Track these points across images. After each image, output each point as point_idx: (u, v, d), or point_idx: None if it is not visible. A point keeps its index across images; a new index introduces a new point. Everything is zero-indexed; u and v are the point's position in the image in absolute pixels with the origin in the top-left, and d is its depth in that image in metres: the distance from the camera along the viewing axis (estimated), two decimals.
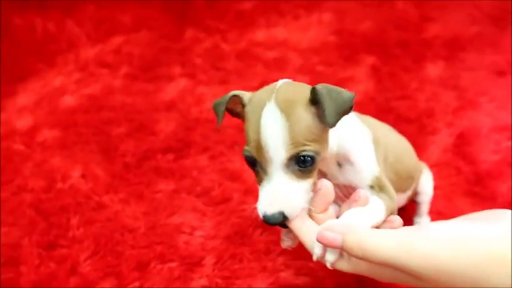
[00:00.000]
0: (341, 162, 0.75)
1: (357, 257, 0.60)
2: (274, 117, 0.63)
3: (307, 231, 0.67)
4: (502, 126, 1.32)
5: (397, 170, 0.84)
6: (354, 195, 0.70)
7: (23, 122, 1.40)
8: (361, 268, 0.64)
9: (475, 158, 1.24)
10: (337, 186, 0.76)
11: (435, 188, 1.17)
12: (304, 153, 0.63)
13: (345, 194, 0.79)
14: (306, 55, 1.60)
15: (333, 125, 0.63)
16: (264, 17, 1.77)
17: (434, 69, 1.53)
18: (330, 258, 0.65)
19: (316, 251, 0.66)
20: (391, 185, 0.77)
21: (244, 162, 1.25)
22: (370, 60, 1.56)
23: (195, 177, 1.23)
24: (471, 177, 1.20)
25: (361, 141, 0.76)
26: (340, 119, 0.63)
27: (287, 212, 0.65)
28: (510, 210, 0.61)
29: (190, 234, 1.11)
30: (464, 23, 1.70)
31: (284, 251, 1.06)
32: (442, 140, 1.30)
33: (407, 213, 1.09)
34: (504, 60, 1.54)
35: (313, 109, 0.64)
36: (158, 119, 1.39)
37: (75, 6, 1.82)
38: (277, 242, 1.08)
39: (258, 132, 0.64)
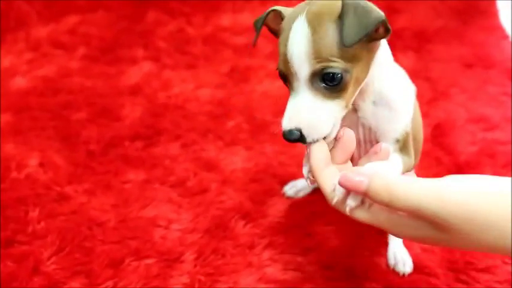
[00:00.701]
0: (378, 102, 0.69)
1: (381, 202, 0.54)
2: (301, 31, 0.59)
3: (328, 174, 0.60)
4: (475, 117, 1.31)
5: (416, 138, 0.79)
6: (375, 148, 0.64)
7: None
8: (381, 218, 0.57)
9: (453, 149, 1.23)
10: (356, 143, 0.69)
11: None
12: (329, 69, 0.59)
13: (360, 155, 0.73)
14: (275, 41, 1.53)
15: (350, 43, 0.57)
16: (230, 2, 1.69)
17: (405, 60, 1.51)
18: (352, 203, 0.57)
19: (338, 192, 0.58)
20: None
21: (220, 151, 1.18)
22: None
23: (168, 166, 1.14)
24: (451, 167, 1.18)
25: (406, 91, 0.72)
26: (359, 39, 0.57)
27: (304, 130, 0.60)
28: None
29: (167, 227, 1.02)
30: (429, 15, 1.70)
31: (269, 245, 0.99)
32: None
33: None
34: (470, 53, 1.55)
35: (340, 25, 0.59)
36: (122, 104, 1.29)
37: None
38: (262, 235, 1.02)
39: (285, 45, 0.60)
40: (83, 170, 1.12)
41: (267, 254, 0.98)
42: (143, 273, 0.93)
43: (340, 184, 0.55)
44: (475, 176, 0.56)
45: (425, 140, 1.24)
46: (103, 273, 0.93)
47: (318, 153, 0.61)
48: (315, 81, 0.60)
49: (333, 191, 0.58)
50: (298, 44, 0.59)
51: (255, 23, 0.70)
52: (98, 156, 1.15)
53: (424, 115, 1.29)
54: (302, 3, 0.63)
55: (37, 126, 1.21)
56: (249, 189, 1.10)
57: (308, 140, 0.60)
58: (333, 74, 0.59)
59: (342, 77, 0.59)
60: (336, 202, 0.58)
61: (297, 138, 0.60)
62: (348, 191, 0.57)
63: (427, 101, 1.36)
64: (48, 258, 0.95)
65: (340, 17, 0.58)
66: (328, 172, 0.60)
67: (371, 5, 0.59)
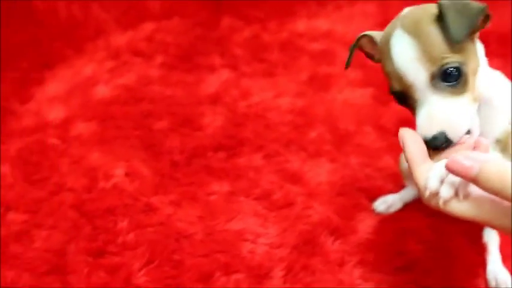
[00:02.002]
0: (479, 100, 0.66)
1: (491, 189, 0.50)
2: (402, 41, 0.60)
3: (425, 168, 0.58)
4: None
5: None
6: (475, 142, 0.60)
7: (55, 113, 1.28)
8: (482, 209, 0.53)
9: None
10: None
11: None
12: (446, 66, 0.59)
13: None
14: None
15: (459, 38, 0.58)
16: (304, 7, 1.66)
17: (491, 65, 1.44)
18: (446, 193, 0.54)
19: (432, 183, 0.55)
20: None
21: (303, 163, 1.16)
22: None
23: (252, 178, 1.12)
24: None
25: (505, 88, 0.70)
26: (467, 32, 0.58)
27: (448, 130, 0.59)
28: None
29: (254, 242, 1.00)
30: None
31: (359, 263, 0.96)
32: None
33: None
34: None
35: (442, 25, 0.59)
36: (203, 113, 1.28)
37: None
38: (352, 252, 0.98)
39: (392, 63, 0.61)
40: (168, 180, 1.12)
41: (357, 272, 0.95)
42: None
43: (448, 167, 0.52)
44: None
45: None
46: (194, 287, 0.92)
47: (413, 145, 0.59)
48: (436, 83, 0.60)
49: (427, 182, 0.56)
50: (406, 55, 0.60)
51: (350, 49, 0.74)
52: (182, 167, 1.15)
53: None
54: (392, 22, 0.66)
55: (121, 135, 1.22)
56: (335, 203, 1.07)
57: (455, 139, 0.60)
58: (451, 70, 0.59)
59: (460, 71, 0.59)
60: (429, 194, 0.55)
61: (444, 141, 0.59)
62: (441, 183, 0.55)
63: None
64: (139, 270, 0.95)
65: (439, 18, 0.59)
66: (425, 166, 0.58)
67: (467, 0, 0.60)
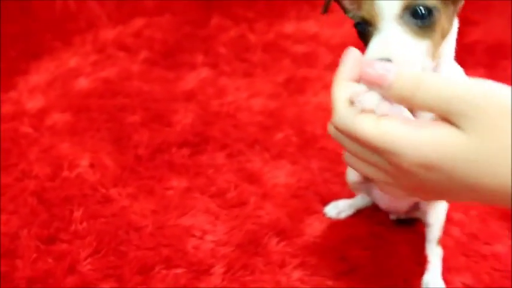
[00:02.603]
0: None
1: (405, 96, 0.44)
2: None
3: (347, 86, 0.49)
4: None
5: None
6: None
7: (34, 103, 1.32)
8: (390, 131, 0.44)
9: None
10: None
11: (470, 208, 1.08)
12: (421, 3, 0.56)
13: None
14: (337, 51, 1.49)
15: None
16: (295, 8, 1.67)
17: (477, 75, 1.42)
18: (369, 102, 0.46)
19: (352, 93, 0.47)
20: None
21: (265, 164, 1.17)
22: None
23: (211, 176, 1.15)
24: None
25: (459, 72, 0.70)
26: None
27: (395, 62, 0.53)
28: None
29: (201, 238, 1.03)
30: (509, 27, 1.59)
31: (300, 265, 0.97)
32: None
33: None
34: None
35: None
36: (176, 110, 1.31)
37: None
38: (295, 255, 0.99)
39: None
40: (129, 173, 1.15)
41: (297, 274, 0.96)
42: (171, 282, 0.94)
43: (363, 73, 0.46)
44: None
45: None
46: (133, 278, 0.95)
47: (349, 64, 0.50)
48: (404, 16, 0.56)
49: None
50: None
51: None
52: (145, 161, 1.18)
53: None
54: None
55: (93, 127, 1.25)
56: (288, 205, 1.09)
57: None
58: (424, 9, 0.56)
59: (431, 14, 0.56)
60: (343, 111, 0.47)
61: None
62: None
63: None
64: (85, 259, 0.98)
65: None
66: (348, 84, 0.49)
67: None
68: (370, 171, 0.49)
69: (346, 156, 0.51)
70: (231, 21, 1.62)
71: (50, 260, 0.98)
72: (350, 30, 1.60)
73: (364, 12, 0.58)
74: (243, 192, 1.11)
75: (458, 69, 0.72)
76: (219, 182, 1.13)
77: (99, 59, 1.47)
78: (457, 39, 1.53)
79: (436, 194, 0.47)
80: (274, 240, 1.02)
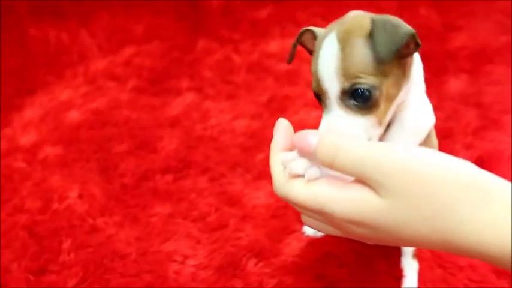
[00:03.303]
0: (393, 119, 0.69)
1: (328, 162, 0.48)
2: (331, 49, 0.62)
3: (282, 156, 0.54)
4: None
5: None
6: None
7: (27, 138, 1.38)
8: (318, 191, 0.49)
9: None
10: None
11: None
12: (357, 86, 0.60)
13: None
14: None
15: (383, 56, 0.59)
16: (279, 26, 1.70)
17: (456, 84, 1.43)
18: (297, 167, 0.51)
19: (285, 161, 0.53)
20: None
21: (246, 186, 1.20)
22: None
23: (193, 200, 1.18)
24: None
25: (424, 119, 0.73)
26: (392, 51, 0.59)
27: None
28: None
29: (182, 263, 1.06)
30: (493, 32, 1.59)
31: (277, 285, 1.00)
32: None
33: None
34: None
35: (371, 42, 0.61)
36: (161, 136, 1.35)
37: (90, 15, 1.80)
38: (273, 275, 1.02)
39: (316, 63, 0.63)
40: (115, 202, 1.20)
41: None
42: None
43: (294, 143, 0.51)
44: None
45: None
46: None
47: (281, 135, 0.55)
48: (345, 98, 0.61)
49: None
50: (328, 62, 0.61)
51: (293, 44, 0.74)
52: (130, 189, 1.22)
53: (467, 146, 1.24)
54: (334, 23, 0.66)
55: (82, 158, 1.31)
56: (268, 225, 1.12)
57: None
58: (362, 90, 0.60)
59: (370, 94, 0.61)
60: (280, 180, 0.52)
61: None
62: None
63: (474, 130, 1.29)
64: None
65: (370, 34, 0.61)
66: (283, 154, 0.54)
67: (400, 20, 0.61)
68: (319, 226, 0.55)
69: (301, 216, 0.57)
70: (216, 43, 1.66)
71: None
72: None
73: (314, 86, 0.64)
74: (223, 215, 1.14)
75: (426, 109, 0.74)
76: (201, 206, 1.17)
77: (89, 90, 1.52)
78: (438, 45, 1.53)
79: (380, 241, 0.51)
80: (253, 261, 1.05)
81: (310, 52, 0.71)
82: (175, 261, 1.07)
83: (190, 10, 1.79)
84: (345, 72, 0.60)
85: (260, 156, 1.27)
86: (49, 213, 1.19)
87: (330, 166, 0.49)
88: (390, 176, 0.45)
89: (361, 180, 0.47)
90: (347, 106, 0.61)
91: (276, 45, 1.64)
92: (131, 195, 1.21)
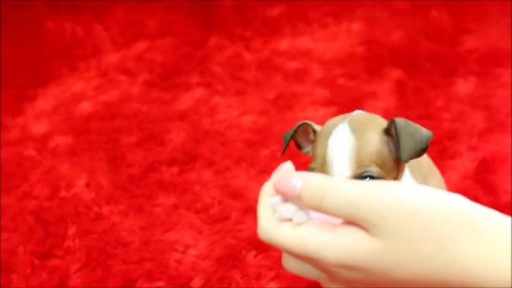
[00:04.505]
0: None
1: (314, 205, 0.47)
2: (345, 136, 0.63)
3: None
4: None
5: None
6: None
7: (39, 128, 1.42)
8: (308, 239, 0.47)
9: (497, 188, 1.15)
10: None
11: None
12: (367, 173, 0.62)
13: None
14: (328, 66, 1.54)
15: (406, 160, 0.62)
16: (291, 25, 1.72)
17: (464, 86, 1.43)
18: (285, 212, 0.49)
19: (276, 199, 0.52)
20: None
21: (250, 180, 1.22)
22: (396, 74, 1.48)
23: (197, 192, 1.20)
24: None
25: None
26: (413, 156, 0.62)
27: None
28: None
29: (183, 252, 1.08)
30: (504, 36, 1.59)
31: (275, 278, 1.01)
32: (463, 166, 1.20)
33: None
34: None
35: (385, 138, 0.64)
36: (169, 129, 1.37)
37: (105, 9, 1.83)
38: (270, 267, 1.04)
39: (325, 149, 0.64)
40: (122, 192, 1.22)
41: (272, 286, 1.00)
42: None
43: (275, 187, 0.50)
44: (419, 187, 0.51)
45: (466, 177, 1.18)
46: None
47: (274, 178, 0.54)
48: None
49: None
50: (342, 149, 0.62)
51: (284, 136, 0.74)
52: (136, 180, 1.24)
53: (472, 148, 1.24)
54: (339, 117, 0.68)
55: (91, 149, 1.33)
56: None
57: None
58: (370, 177, 0.62)
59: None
60: (266, 223, 0.51)
61: None
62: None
63: (479, 132, 1.29)
64: (75, 273, 1.05)
65: (386, 131, 0.64)
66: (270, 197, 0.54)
67: (417, 126, 0.64)
68: (302, 270, 0.55)
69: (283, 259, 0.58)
70: (228, 40, 1.68)
71: (43, 275, 1.06)
72: (342, 45, 1.64)
73: (317, 168, 0.64)
74: (226, 208, 1.16)
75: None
76: (204, 198, 1.19)
77: (101, 83, 1.55)
78: (448, 48, 1.52)
79: (371, 285, 0.50)
80: (253, 253, 1.07)
81: (297, 145, 0.74)
82: (176, 250, 1.09)
83: (203, 7, 1.82)
84: (359, 159, 0.62)
85: (265, 152, 1.28)
86: (56, 200, 1.21)
87: (317, 210, 0.47)
88: (382, 215, 0.44)
89: (352, 222, 0.46)
90: None
91: (287, 43, 1.65)
92: (137, 186, 1.23)
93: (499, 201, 1.12)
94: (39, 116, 1.46)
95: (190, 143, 1.33)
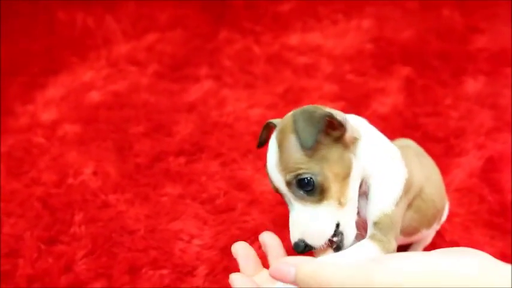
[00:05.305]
0: (365, 194, 0.71)
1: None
2: (272, 148, 0.66)
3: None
4: None
5: (424, 211, 0.79)
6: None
7: (48, 115, 1.43)
8: None
9: (503, 187, 1.15)
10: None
11: (453, 215, 1.10)
12: (299, 177, 0.63)
13: (364, 227, 0.73)
14: (338, 62, 1.54)
15: (309, 145, 0.62)
16: (301, 21, 1.72)
17: (473, 85, 1.42)
18: None
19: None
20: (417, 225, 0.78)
21: (256, 172, 1.22)
22: (405, 71, 1.48)
23: (203, 183, 1.21)
24: (494, 207, 1.11)
25: (392, 174, 0.71)
26: (315, 138, 0.61)
27: (307, 239, 0.65)
28: (482, 253, 0.55)
29: (188, 242, 1.09)
30: None
31: None
32: (469, 163, 1.20)
33: None
34: None
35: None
36: (177, 120, 1.38)
37: (116, 1, 1.84)
38: None
39: (266, 164, 0.67)
40: (128, 180, 1.23)
41: None
42: (156, 282, 1.01)
43: (271, 275, 0.56)
44: (406, 255, 0.55)
45: (472, 175, 1.18)
46: (121, 278, 1.02)
47: (245, 260, 0.74)
48: (295, 191, 0.64)
49: None
50: (271, 160, 0.65)
51: (260, 136, 0.78)
52: (143, 169, 1.25)
53: (478, 146, 1.24)
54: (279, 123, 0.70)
55: (99, 137, 1.34)
56: (274, 211, 1.13)
57: (316, 246, 0.65)
58: (305, 179, 0.63)
59: (313, 180, 0.63)
60: None
61: (303, 249, 0.65)
62: None
63: (487, 130, 1.28)
64: (80, 259, 1.07)
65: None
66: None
67: (318, 106, 0.64)
68: None
69: None
70: (238, 34, 1.68)
71: (49, 260, 1.07)
72: (352, 42, 1.64)
73: (272, 186, 0.68)
74: (231, 199, 1.16)
75: (392, 155, 0.72)
76: (210, 188, 1.19)
77: (111, 73, 1.56)
78: (458, 46, 1.52)
79: None
80: (257, 244, 1.05)
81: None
82: (181, 239, 1.09)
83: (214, 1, 1.82)
84: (284, 166, 0.63)
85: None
86: (64, 187, 1.22)
87: None
88: None
89: None
90: (301, 198, 0.64)
91: (297, 38, 1.65)
92: (143, 175, 1.24)
93: (504, 199, 1.12)
94: (48, 103, 1.47)
95: (197, 134, 1.33)
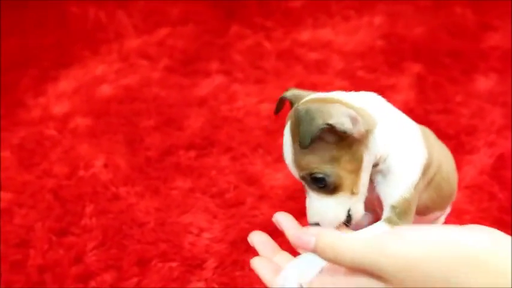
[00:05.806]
0: (380, 166, 0.70)
1: (328, 259, 0.55)
2: (286, 141, 0.65)
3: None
4: None
5: (442, 189, 0.78)
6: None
7: (60, 108, 1.44)
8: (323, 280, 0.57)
9: None
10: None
11: (463, 212, 1.10)
12: (312, 175, 0.63)
13: (378, 205, 0.73)
14: (349, 58, 1.54)
15: (305, 144, 0.60)
16: (312, 17, 1.71)
17: (485, 83, 1.42)
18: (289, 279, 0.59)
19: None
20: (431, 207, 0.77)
21: (266, 167, 1.23)
22: (416, 68, 1.48)
23: (213, 177, 1.21)
24: (504, 204, 1.10)
25: (411, 156, 0.70)
26: (309, 139, 0.59)
27: (322, 224, 0.65)
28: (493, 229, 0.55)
29: (198, 235, 1.10)
30: None
31: None
32: (479, 161, 1.20)
33: None
34: None
35: None
36: (188, 115, 1.39)
37: None
38: None
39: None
40: (139, 173, 1.24)
41: None
42: (165, 274, 1.02)
43: (292, 241, 0.57)
44: (420, 227, 0.56)
45: (482, 172, 1.18)
46: (130, 269, 1.03)
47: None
48: (309, 184, 0.65)
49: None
50: (286, 154, 0.66)
51: (277, 104, 0.79)
52: (154, 162, 1.26)
53: (489, 144, 1.24)
54: (305, 100, 0.70)
55: (110, 131, 1.35)
56: (283, 206, 1.14)
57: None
58: (316, 177, 0.62)
59: (326, 180, 0.63)
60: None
61: None
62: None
63: (498, 128, 1.28)
64: (91, 250, 1.08)
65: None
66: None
67: (321, 110, 0.60)
68: None
69: None
70: (249, 30, 1.68)
71: (60, 251, 1.08)
72: (363, 38, 1.64)
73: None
74: (241, 193, 1.17)
75: (411, 136, 0.71)
76: (220, 183, 1.20)
77: (122, 67, 1.57)
78: (470, 44, 1.51)
79: None
80: None
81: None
82: (191, 233, 1.10)
83: None
84: (298, 164, 0.63)
85: (282, 140, 1.29)
86: (75, 179, 1.23)
87: (332, 262, 0.54)
88: (389, 267, 0.50)
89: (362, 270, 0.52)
90: (314, 189, 0.64)
91: (308, 34, 1.65)
92: (154, 168, 1.25)
93: None
94: (60, 96, 1.48)
95: (208, 129, 1.34)
